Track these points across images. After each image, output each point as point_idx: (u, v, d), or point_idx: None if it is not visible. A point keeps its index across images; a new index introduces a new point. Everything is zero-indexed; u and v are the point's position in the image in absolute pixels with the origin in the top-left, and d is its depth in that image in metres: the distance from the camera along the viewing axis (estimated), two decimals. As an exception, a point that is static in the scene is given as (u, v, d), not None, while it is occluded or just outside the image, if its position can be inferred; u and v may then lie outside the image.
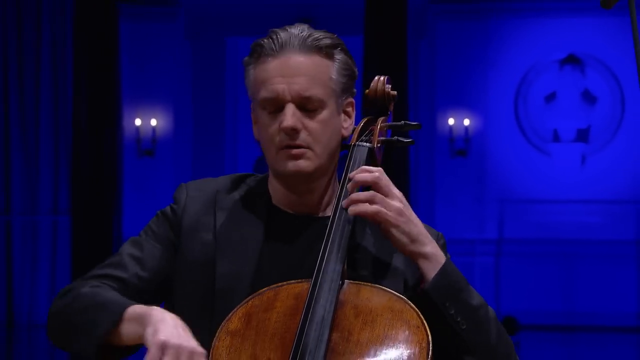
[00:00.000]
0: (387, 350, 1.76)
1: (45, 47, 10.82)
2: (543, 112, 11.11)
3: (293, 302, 1.82)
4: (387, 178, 1.90)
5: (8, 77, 10.81)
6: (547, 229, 10.82)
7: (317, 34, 1.96)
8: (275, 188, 2.00)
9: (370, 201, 1.88)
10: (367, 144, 1.99)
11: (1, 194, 10.84)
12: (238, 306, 1.84)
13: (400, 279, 1.95)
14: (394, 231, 1.87)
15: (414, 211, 1.92)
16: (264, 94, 1.93)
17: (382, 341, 1.77)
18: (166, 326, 1.73)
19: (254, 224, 1.97)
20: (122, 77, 10.29)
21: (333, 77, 1.95)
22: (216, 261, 1.93)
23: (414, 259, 1.89)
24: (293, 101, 1.91)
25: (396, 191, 1.89)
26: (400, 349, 1.76)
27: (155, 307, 1.79)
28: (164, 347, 1.69)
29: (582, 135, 11.06)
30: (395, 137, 2.04)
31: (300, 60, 1.92)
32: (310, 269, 1.84)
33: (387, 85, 2.06)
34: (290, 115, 1.90)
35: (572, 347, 10.15)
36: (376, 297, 1.83)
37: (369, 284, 1.87)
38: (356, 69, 2.01)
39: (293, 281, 1.87)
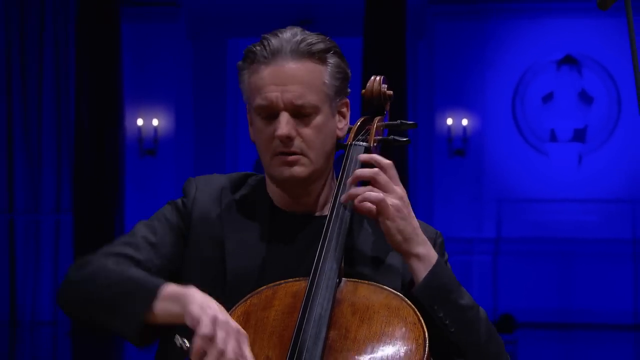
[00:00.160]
0: (384, 347, 1.76)
1: (48, 47, 10.82)
2: (540, 112, 11.12)
3: (291, 301, 1.82)
4: (393, 174, 1.89)
5: (11, 77, 10.81)
6: (544, 228, 10.83)
7: (310, 39, 1.92)
8: (272, 190, 2.00)
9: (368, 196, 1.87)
10: (364, 143, 1.97)
11: (4, 192, 10.84)
12: (237, 305, 1.83)
13: (398, 277, 1.94)
14: (388, 227, 1.86)
15: (413, 210, 1.90)
16: (258, 101, 1.91)
17: (379, 338, 1.77)
18: (212, 304, 1.73)
19: (257, 223, 1.97)
20: (124, 78, 10.29)
21: (326, 81, 1.92)
22: (225, 256, 1.93)
23: (406, 258, 1.89)
24: (287, 109, 1.89)
25: (397, 188, 1.87)
26: (397, 345, 1.76)
27: (192, 287, 1.76)
28: (215, 322, 1.69)
29: (579, 135, 11.07)
30: (392, 136, 2.02)
31: (292, 68, 1.90)
32: (309, 267, 1.84)
33: (383, 85, 2.05)
34: (285, 124, 1.89)
35: (569, 345, 10.14)
36: (373, 294, 1.83)
37: (366, 281, 1.87)
38: (349, 70, 1.98)
39: (291, 280, 1.86)
